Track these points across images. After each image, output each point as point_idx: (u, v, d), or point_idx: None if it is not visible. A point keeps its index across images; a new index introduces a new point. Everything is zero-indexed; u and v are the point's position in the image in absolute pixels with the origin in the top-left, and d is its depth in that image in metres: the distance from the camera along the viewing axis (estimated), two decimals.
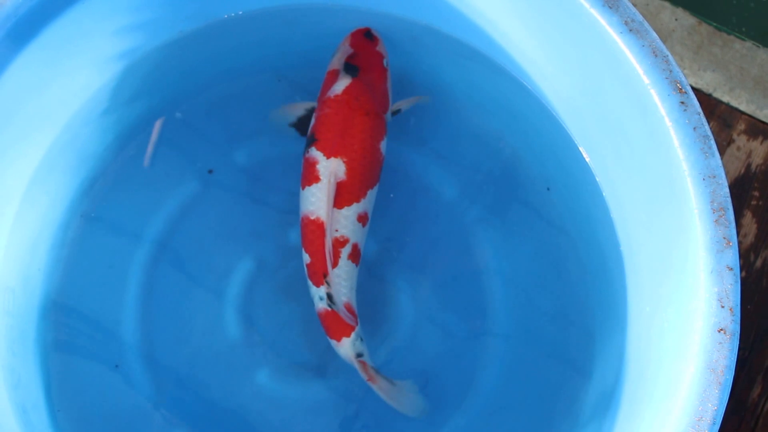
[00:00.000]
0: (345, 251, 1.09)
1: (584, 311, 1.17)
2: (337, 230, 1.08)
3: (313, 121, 1.14)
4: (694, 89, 1.38)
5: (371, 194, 1.12)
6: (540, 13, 1.05)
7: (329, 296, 1.06)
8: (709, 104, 1.41)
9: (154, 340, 1.17)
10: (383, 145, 1.14)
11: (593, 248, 1.17)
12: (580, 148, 1.15)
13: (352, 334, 1.07)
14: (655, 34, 0.95)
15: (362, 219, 1.10)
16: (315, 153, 1.10)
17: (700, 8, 1.47)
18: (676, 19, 1.46)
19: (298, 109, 1.18)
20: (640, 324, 1.04)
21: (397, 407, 1.09)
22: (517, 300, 1.19)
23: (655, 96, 0.94)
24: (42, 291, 1.16)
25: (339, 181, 1.08)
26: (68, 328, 1.16)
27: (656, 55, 0.94)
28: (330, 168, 1.08)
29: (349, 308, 1.08)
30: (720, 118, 1.40)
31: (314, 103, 1.17)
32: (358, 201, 1.09)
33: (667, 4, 1.47)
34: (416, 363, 1.17)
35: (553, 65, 1.11)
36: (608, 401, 1.06)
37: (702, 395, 0.85)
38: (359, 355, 1.07)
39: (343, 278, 1.08)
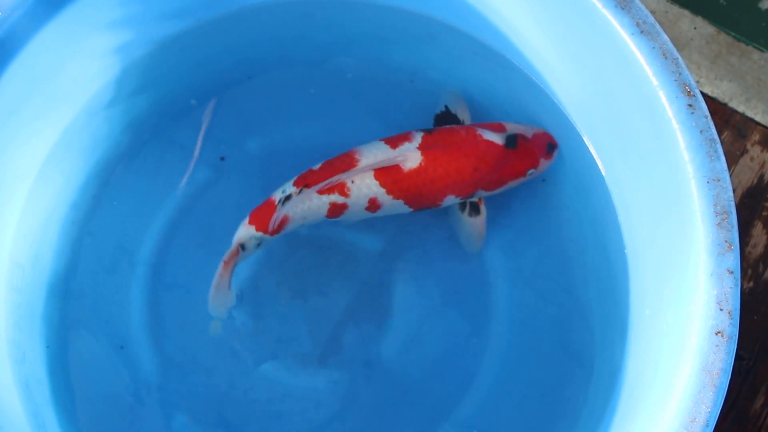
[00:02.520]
0: (334, 198, 1.09)
1: (587, 314, 1.16)
2: (352, 181, 1.09)
3: (450, 125, 1.16)
4: (709, 98, 1.39)
5: (398, 206, 1.12)
6: (553, 13, 1.05)
7: (287, 198, 1.08)
8: (725, 114, 1.40)
9: (160, 324, 1.18)
10: (447, 201, 1.14)
11: (599, 251, 1.17)
12: (590, 149, 1.15)
13: (259, 234, 1.09)
14: (665, 36, 0.95)
15: (372, 204, 1.11)
16: (417, 135, 1.12)
17: (720, 18, 1.46)
18: (694, 28, 1.45)
19: (459, 110, 1.19)
20: (640, 326, 1.04)
21: (210, 301, 1.10)
22: (521, 300, 1.19)
23: (663, 98, 0.94)
24: (51, 269, 1.17)
25: (398, 165, 1.09)
26: (75, 307, 1.18)
27: (666, 57, 0.94)
28: (409, 154, 1.09)
29: (283, 222, 1.09)
30: (735, 128, 1.40)
31: (468, 120, 1.18)
32: (387, 192, 1.10)
33: (687, 13, 1.47)
34: (419, 356, 1.18)
35: (565, 65, 1.11)
36: (606, 402, 1.06)
37: (696, 397, 0.85)
38: (243, 247, 1.10)
39: (310, 205, 1.09)
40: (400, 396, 1.17)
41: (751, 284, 1.32)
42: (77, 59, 1.13)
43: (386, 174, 1.09)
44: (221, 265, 1.09)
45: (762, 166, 1.38)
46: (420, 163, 1.09)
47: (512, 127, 1.16)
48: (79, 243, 1.19)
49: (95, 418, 1.14)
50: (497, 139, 1.12)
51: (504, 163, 1.13)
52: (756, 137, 1.39)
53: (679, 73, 0.94)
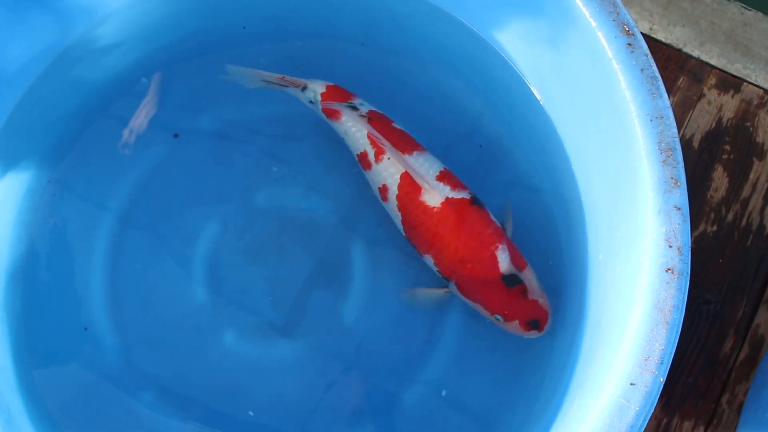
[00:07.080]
0: (369, 151, 1.13)
1: (550, 267, 1.16)
2: (388, 158, 1.11)
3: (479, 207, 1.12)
4: (664, 44, 1.38)
5: (395, 216, 1.13)
6: None
7: (355, 109, 1.15)
8: (680, 59, 1.39)
9: (122, 303, 1.18)
10: (426, 258, 1.12)
11: (558, 203, 1.16)
12: (540, 100, 1.15)
13: (319, 98, 1.17)
14: None
15: (383, 191, 1.13)
16: (463, 192, 1.10)
17: None
18: None
19: (505, 222, 1.15)
20: (597, 273, 1.04)
21: (243, 69, 1.21)
22: None
23: (602, 38, 0.93)
24: (9, 255, 1.17)
25: (421, 189, 1.09)
26: (37, 291, 1.17)
27: None
28: (437, 194, 1.08)
29: (336, 113, 1.16)
30: (690, 72, 1.39)
31: (508, 232, 1.14)
32: (396, 196, 1.11)
33: None
34: (383, 319, 1.17)
35: (508, 15, 1.11)
36: (568, 351, 1.06)
37: (649, 335, 0.84)
38: (304, 88, 1.19)
39: (356, 133, 1.15)
40: (367, 360, 1.16)
41: (714, 228, 1.32)
42: (22, 39, 1.11)
43: (408, 184, 1.10)
44: (281, 75, 1.19)
45: (719, 109, 1.37)
46: (433, 208, 1.09)
47: (528, 277, 1.09)
48: (37, 228, 1.19)
49: (63, 400, 1.13)
50: (505, 265, 1.08)
51: (487, 285, 1.08)
52: (712, 81, 1.39)
53: (617, 13, 0.93)
